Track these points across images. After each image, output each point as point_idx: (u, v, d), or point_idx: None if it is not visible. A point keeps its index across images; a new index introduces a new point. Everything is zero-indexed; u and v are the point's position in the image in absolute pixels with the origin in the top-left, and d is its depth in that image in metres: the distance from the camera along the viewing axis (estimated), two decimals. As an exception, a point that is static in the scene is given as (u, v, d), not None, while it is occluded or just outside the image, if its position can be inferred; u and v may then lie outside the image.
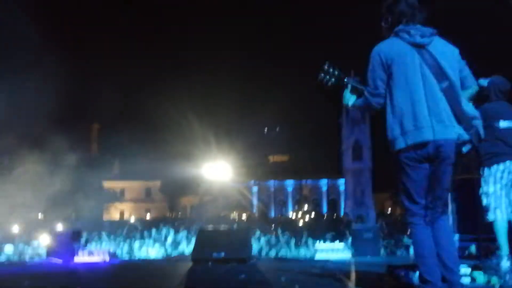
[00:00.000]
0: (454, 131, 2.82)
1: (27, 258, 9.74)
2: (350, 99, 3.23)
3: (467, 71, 3.04)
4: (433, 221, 2.92)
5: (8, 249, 10.56)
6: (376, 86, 3.02)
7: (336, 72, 3.29)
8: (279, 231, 10.99)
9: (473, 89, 3.06)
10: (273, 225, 14.64)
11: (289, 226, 15.14)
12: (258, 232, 10.93)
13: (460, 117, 2.85)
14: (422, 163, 2.87)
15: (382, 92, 3.00)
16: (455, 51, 3.01)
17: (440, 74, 2.87)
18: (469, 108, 2.90)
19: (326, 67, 3.31)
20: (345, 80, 3.28)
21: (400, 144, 2.88)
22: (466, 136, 2.84)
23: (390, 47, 2.99)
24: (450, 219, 6.49)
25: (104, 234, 12.03)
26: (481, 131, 2.89)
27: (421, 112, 2.84)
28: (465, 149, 2.87)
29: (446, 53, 2.94)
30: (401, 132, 2.88)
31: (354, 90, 3.24)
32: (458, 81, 2.93)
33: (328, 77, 3.30)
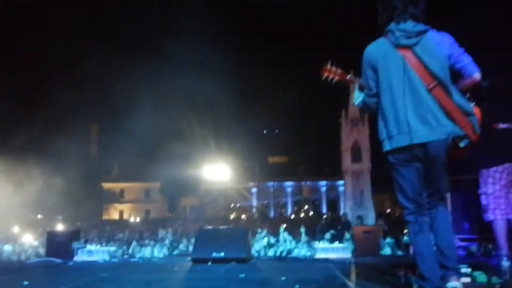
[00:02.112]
0: (443, 131, 2.82)
1: (26, 258, 9.74)
2: (358, 97, 3.25)
3: (466, 60, 2.95)
4: (431, 212, 2.95)
5: (7, 249, 10.58)
6: (370, 87, 3.06)
7: (339, 70, 3.32)
8: (280, 230, 11.00)
9: (474, 77, 2.95)
10: (275, 225, 14.66)
11: (289, 226, 15.16)
12: (261, 232, 10.95)
13: (453, 114, 2.85)
14: (412, 162, 2.90)
15: (376, 92, 3.04)
16: (447, 45, 2.94)
17: (427, 74, 2.86)
18: (461, 103, 2.89)
19: (328, 65, 3.34)
20: (348, 77, 3.30)
21: (386, 146, 2.95)
22: (461, 132, 2.85)
23: (376, 50, 3.02)
24: (449, 218, 6.48)
25: (104, 233, 12.04)
26: (476, 126, 2.90)
27: (403, 116, 2.86)
28: (462, 143, 2.87)
29: (434, 51, 2.91)
30: (387, 135, 2.95)
31: (361, 88, 3.25)
32: (447, 79, 2.89)
33: (331, 75, 3.33)
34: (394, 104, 2.90)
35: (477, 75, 2.95)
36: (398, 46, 2.93)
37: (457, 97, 2.88)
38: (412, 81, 2.88)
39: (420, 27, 2.94)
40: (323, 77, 3.35)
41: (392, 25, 2.98)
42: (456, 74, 2.96)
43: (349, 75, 3.32)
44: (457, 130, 2.84)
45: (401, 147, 2.88)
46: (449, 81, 2.90)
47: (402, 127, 2.86)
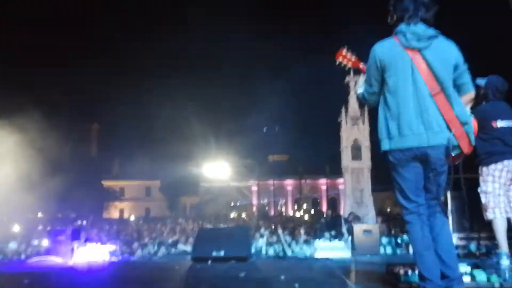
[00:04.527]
0: (443, 136, 2.84)
1: (26, 257, 9.75)
2: (361, 88, 3.24)
3: (466, 78, 3.01)
4: (431, 218, 2.95)
5: (12, 247, 10.60)
6: (371, 85, 3.06)
7: (354, 57, 3.34)
8: (279, 229, 11.00)
9: (470, 95, 3.05)
10: (273, 225, 14.64)
11: (289, 225, 15.16)
12: (261, 230, 10.95)
13: (451, 123, 2.86)
14: (410, 162, 2.90)
15: (376, 91, 3.05)
16: (454, 56, 2.98)
17: (432, 80, 2.87)
18: (461, 113, 2.89)
19: (344, 50, 3.35)
20: (361, 65, 3.31)
21: (385, 146, 2.96)
22: (455, 142, 2.86)
23: (385, 50, 3.00)
24: (449, 217, 6.50)
25: (104, 233, 12.04)
26: (472, 138, 2.90)
27: (407, 119, 2.87)
28: (454, 153, 2.89)
29: (443, 58, 2.92)
30: (387, 135, 2.95)
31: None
32: (450, 87, 2.91)
33: (345, 61, 3.35)
34: (398, 106, 2.90)
35: (473, 94, 3.07)
36: (408, 48, 2.92)
37: (457, 106, 2.89)
38: (417, 84, 2.88)
39: (431, 32, 2.94)
40: (337, 62, 3.37)
41: (403, 27, 2.97)
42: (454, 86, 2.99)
43: (362, 63, 3.33)
44: (453, 138, 2.85)
45: (399, 149, 2.89)
46: (452, 90, 2.91)
47: (404, 130, 2.87)
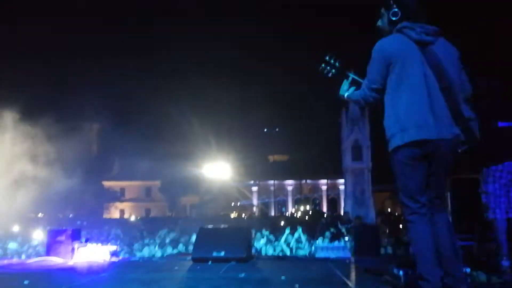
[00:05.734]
0: (452, 131, 2.83)
1: (26, 257, 9.75)
2: (347, 90, 3.24)
3: (464, 77, 3.06)
4: (433, 217, 2.94)
5: (12, 246, 10.61)
6: (375, 80, 3.02)
7: (337, 64, 3.31)
8: (280, 230, 11.01)
9: (468, 95, 3.08)
10: (273, 225, 14.63)
11: (289, 225, 15.16)
12: (262, 231, 10.96)
13: (457, 118, 2.86)
14: (420, 161, 2.88)
15: (380, 87, 3.02)
16: (456, 54, 3.03)
17: (441, 74, 2.88)
18: (466, 109, 2.91)
19: (327, 58, 3.33)
20: (346, 72, 3.29)
21: (397, 141, 2.90)
22: (462, 137, 2.86)
23: (394, 44, 2.99)
24: (449, 217, 6.49)
25: (104, 233, 12.04)
26: (477, 133, 2.90)
27: (422, 110, 2.85)
28: (460, 149, 2.89)
29: (448, 53, 2.97)
30: (400, 129, 2.90)
31: (353, 83, 3.24)
32: (457, 82, 2.93)
33: (329, 68, 3.32)
34: (413, 98, 2.88)
35: (471, 93, 3.10)
36: (418, 41, 2.93)
37: (463, 101, 2.91)
38: (428, 78, 2.89)
39: (437, 28, 2.97)
40: (320, 70, 3.34)
41: (407, 23, 2.98)
42: None
43: (347, 70, 3.31)
44: (460, 134, 2.85)
45: (413, 142, 2.85)
46: (457, 84, 2.92)
47: (418, 121, 2.84)
